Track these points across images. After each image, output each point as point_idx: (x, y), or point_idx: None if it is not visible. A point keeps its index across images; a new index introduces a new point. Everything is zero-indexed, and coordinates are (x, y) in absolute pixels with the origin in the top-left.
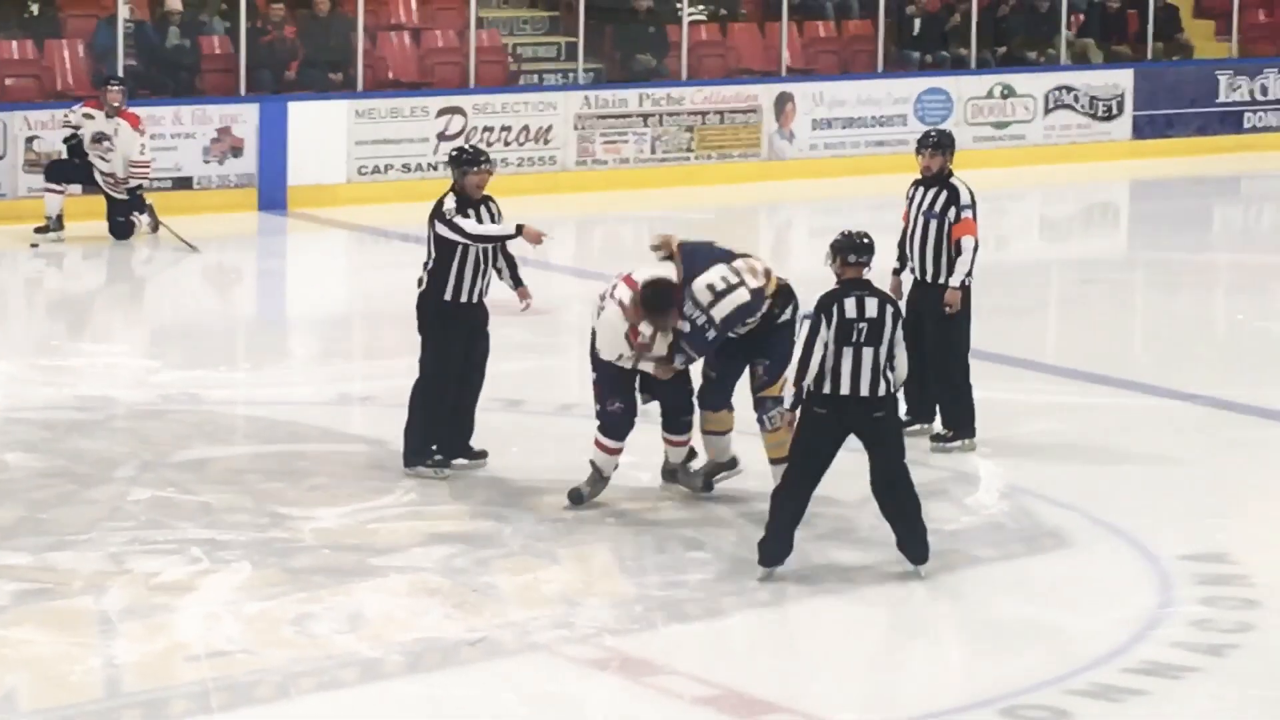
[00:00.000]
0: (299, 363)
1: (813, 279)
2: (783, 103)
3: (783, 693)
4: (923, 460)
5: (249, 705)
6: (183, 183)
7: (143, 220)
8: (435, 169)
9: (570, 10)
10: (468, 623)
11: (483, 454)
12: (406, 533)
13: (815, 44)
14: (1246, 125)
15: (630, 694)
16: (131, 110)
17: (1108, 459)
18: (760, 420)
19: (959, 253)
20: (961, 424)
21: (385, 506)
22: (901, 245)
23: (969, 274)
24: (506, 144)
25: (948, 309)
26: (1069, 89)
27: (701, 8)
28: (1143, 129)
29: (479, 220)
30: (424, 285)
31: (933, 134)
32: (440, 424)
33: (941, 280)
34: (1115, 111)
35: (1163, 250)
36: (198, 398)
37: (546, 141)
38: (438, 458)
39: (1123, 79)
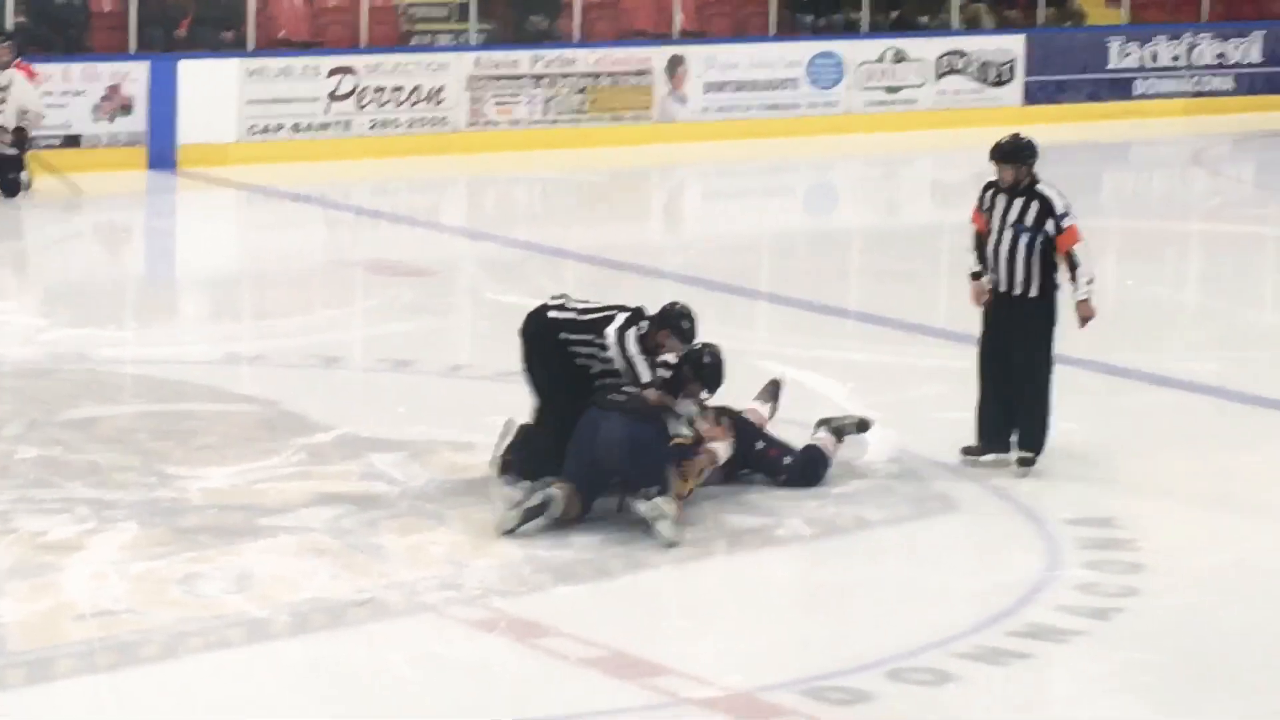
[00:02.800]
0: (188, 322)
1: (703, 240)
2: (675, 65)
3: (669, 655)
4: (808, 422)
5: (135, 665)
6: (72, 140)
7: (24, 178)
8: (326, 129)
9: None
10: (355, 583)
11: None
12: (295, 493)
13: (708, 7)
14: (1137, 92)
15: (517, 655)
16: (26, 63)
17: None
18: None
19: (1074, 264)
20: (1041, 442)
21: (274, 467)
22: (980, 249)
23: (1092, 280)
24: (398, 104)
25: (1084, 324)
26: (960, 54)
27: None
28: (1034, 95)
29: None
30: None
31: (1004, 143)
32: None
33: (1032, 294)
34: (1006, 77)
35: None
36: (86, 356)
37: (438, 102)
38: None
39: (1014, 45)
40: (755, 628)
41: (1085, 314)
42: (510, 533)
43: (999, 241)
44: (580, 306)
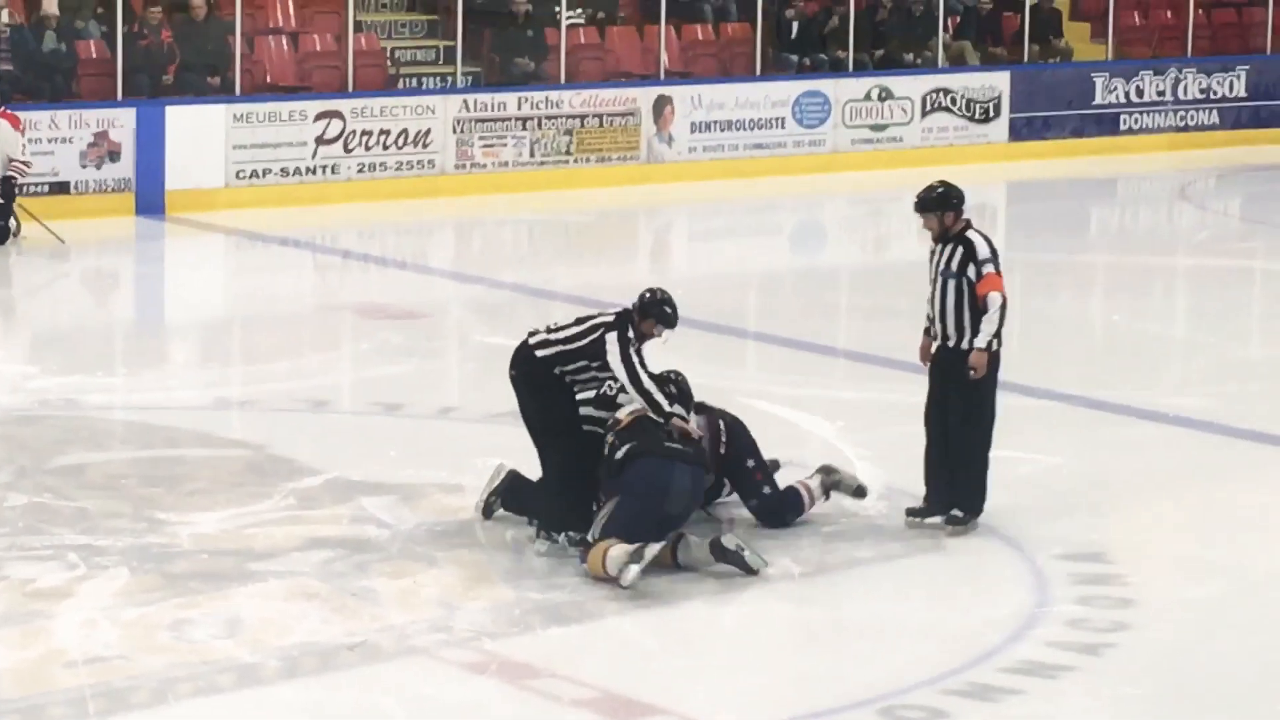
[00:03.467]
0: (177, 367)
1: (691, 279)
2: (661, 106)
3: (661, 695)
4: (798, 462)
5: (126, 711)
6: (60, 187)
7: (11, 225)
8: (313, 173)
9: (449, 14)
10: (346, 627)
11: None
12: (285, 537)
13: (693, 47)
14: (1123, 127)
15: (509, 697)
16: (10, 111)
17: None
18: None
19: (985, 309)
20: (974, 503)
21: (263, 511)
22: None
23: (996, 334)
24: (385, 147)
25: (972, 373)
26: (946, 91)
27: (580, 11)
28: (1019, 131)
29: None
30: None
31: (922, 193)
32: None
33: (964, 345)
34: (992, 114)
35: (1039, 252)
36: (75, 403)
37: (425, 145)
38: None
39: (999, 81)
40: (747, 667)
41: (974, 363)
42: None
43: (934, 291)
44: (563, 336)
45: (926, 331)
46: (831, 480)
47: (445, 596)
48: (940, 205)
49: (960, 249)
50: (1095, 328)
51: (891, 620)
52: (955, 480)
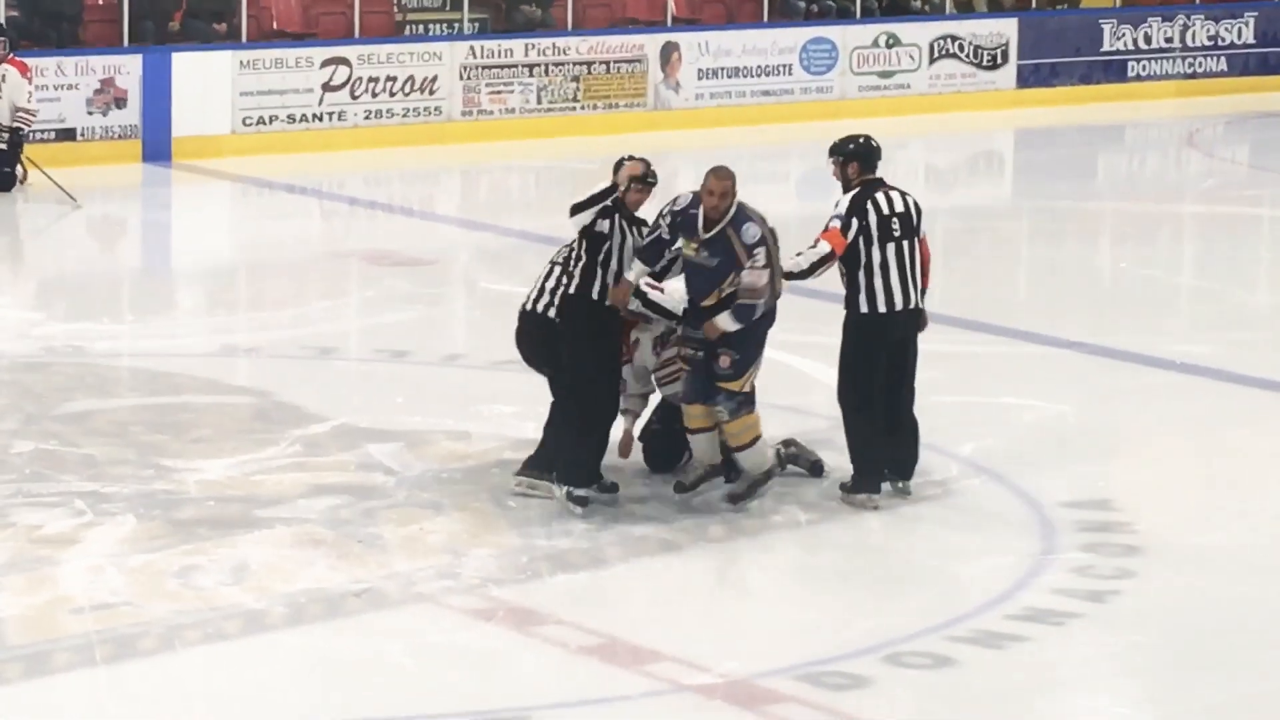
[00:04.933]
0: (183, 314)
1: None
2: (668, 53)
3: (667, 642)
4: (808, 409)
5: (133, 658)
6: (66, 134)
7: (18, 172)
8: (320, 119)
9: None
10: (352, 574)
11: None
12: (291, 484)
13: None
14: (1130, 74)
15: (516, 644)
16: (18, 58)
17: (992, 407)
18: (719, 410)
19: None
20: (854, 480)
21: (270, 458)
22: None
23: (792, 274)
24: (392, 94)
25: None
26: (954, 38)
27: None
28: (1027, 78)
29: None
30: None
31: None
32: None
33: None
34: (1000, 61)
35: (1047, 199)
36: (81, 350)
37: (432, 92)
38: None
39: (1007, 28)
40: (752, 614)
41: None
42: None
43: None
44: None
45: None
46: (789, 453)
47: (451, 543)
48: (838, 152)
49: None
50: (1102, 275)
51: (897, 567)
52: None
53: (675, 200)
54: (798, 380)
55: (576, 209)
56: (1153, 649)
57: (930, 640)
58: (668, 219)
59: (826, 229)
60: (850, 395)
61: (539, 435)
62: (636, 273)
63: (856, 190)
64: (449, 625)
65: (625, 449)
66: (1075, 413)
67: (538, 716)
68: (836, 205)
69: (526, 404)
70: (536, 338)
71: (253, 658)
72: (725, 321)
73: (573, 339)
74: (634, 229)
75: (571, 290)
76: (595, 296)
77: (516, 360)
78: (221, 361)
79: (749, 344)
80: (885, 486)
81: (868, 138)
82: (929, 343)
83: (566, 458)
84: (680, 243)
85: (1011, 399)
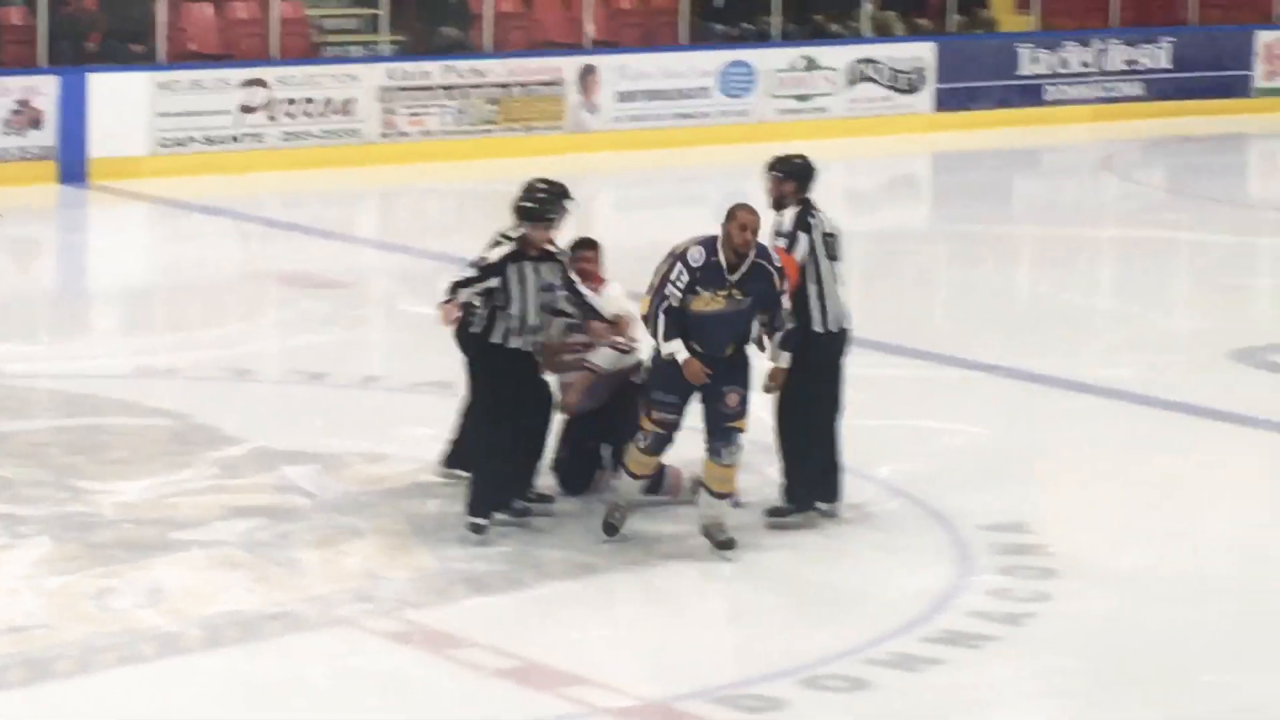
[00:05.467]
0: (100, 336)
1: (615, 250)
2: (586, 75)
3: (584, 665)
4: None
5: (48, 680)
6: None
7: None
8: (237, 141)
9: None
10: (269, 597)
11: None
12: (208, 506)
13: (619, 16)
14: (1047, 98)
15: (433, 667)
16: None
17: (910, 430)
18: (715, 451)
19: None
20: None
21: (186, 480)
22: None
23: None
24: (310, 116)
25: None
26: (871, 62)
27: None
28: (944, 102)
29: None
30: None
31: (773, 157)
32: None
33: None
34: (917, 84)
35: (965, 223)
36: None
37: (350, 114)
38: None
39: (924, 52)
40: (669, 637)
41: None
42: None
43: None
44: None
45: None
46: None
47: (369, 566)
48: (780, 169)
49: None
50: (1020, 299)
51: (815, 590)
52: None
53: (685, 258)
54: None
55: (456, 287)
56: (1069, 672)
57: (847, 663)
58: (684, 280)
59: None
60: (802, 414)
61: None
62: (677, 347)
63: (798, 208)
64: (366, 648)
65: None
66: (993, 436)
67: None
68: (779, 225)
69: (444, 427)
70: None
71: (169, 680)
72: (784, 360)
73: (471, 376)
74: (540, 265)
75: (473, 330)
76: (496, 340)
77: (434, 383)
78: (138, 383)
79: (749, 378)
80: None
81: (805, 157)
82: (847, 366)
83: (470, 486)
84: (694, 299)
85: (929, 422)
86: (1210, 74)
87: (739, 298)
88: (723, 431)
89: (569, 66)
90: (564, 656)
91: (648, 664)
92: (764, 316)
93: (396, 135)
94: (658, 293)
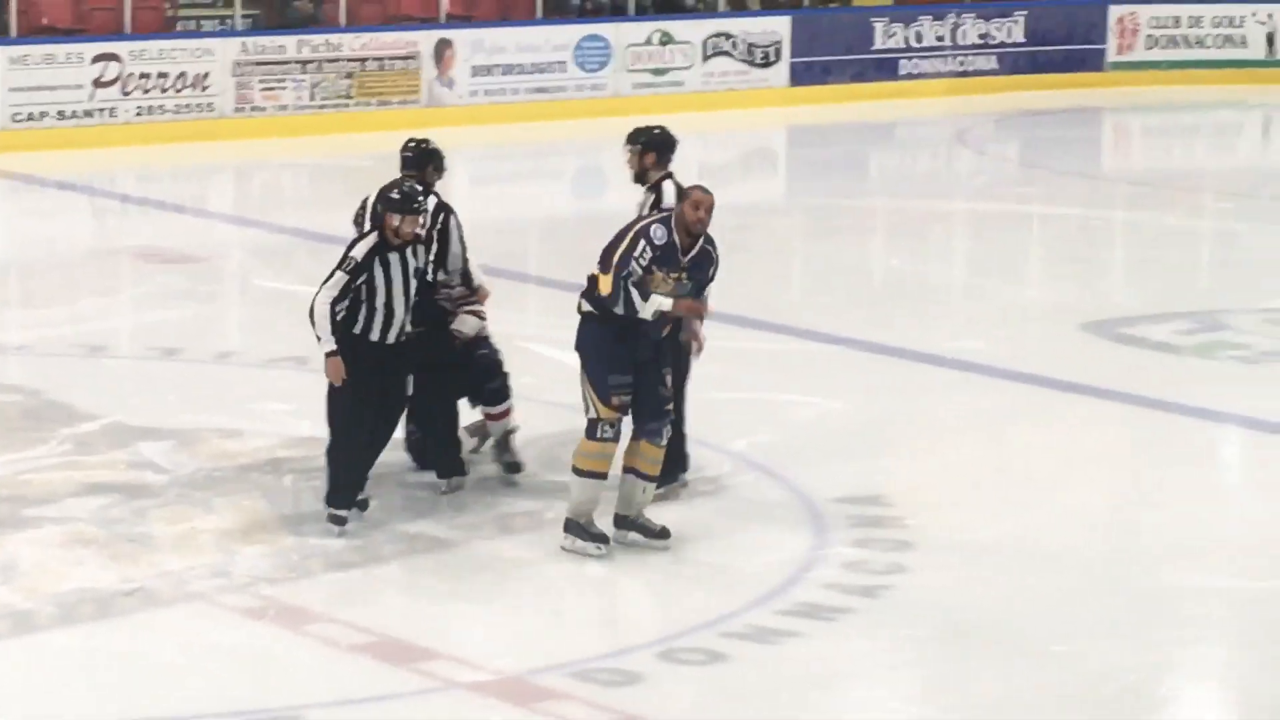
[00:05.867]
0: None
1: (472, 224)
2: (442, 49)
3: (440, 639)
4: (567, 403)
5: None
6: None
7: None
8: (91, 116)
9: None
10: (123, 573)
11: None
12: (61, 483)
13: None
14: (902, 72)
15: (288, 642)
16: None
17: (765, 403)
18: (654, 433)
19: None
20: (684, 457)
21: (39, 457)
22: None
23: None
24: (164, 91)
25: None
26: (727, 35)
27: None
28: (800, 76)
29: None
30: None
31: (633, 130)
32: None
33: None
34: (773, 58)
35: (819, 196)
36: None
37: (204, 88)
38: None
39: (780, 26)
40: (526, 611)
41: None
42: None
43: None
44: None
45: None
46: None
47: (223, 542)
48: (640, 141)
49: (653, 197)
50: (875, 272)
51: (671, 564)
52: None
53: (649, 234)
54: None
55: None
56: (925, 642)
57: (704, 636)
58: (647, 257)
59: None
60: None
61: (312, 433)
62: (660, 301)
63: (664, 180)
64: (221, 624)
65: None
66: (848, 409)
67: (310, 715)
68: (645, 204)
69: (299, 401)
70: None
71: (22, 658)
72: (700, 327)
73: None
74: (408, 252)
75: (337, 317)
76: (357, 331)
77: (289, 358)
78: None
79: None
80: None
81: (665, 129)
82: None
83: (329, 478)
84: (649, 278)
85: (785, 395)
86: (1064, 48)
87: (685, 282)
88: (662, 413)
89: (424, 41)
90: (420, 632)
91: (504, 638)
92: None
93: (251, 110)
94: (619, 268)
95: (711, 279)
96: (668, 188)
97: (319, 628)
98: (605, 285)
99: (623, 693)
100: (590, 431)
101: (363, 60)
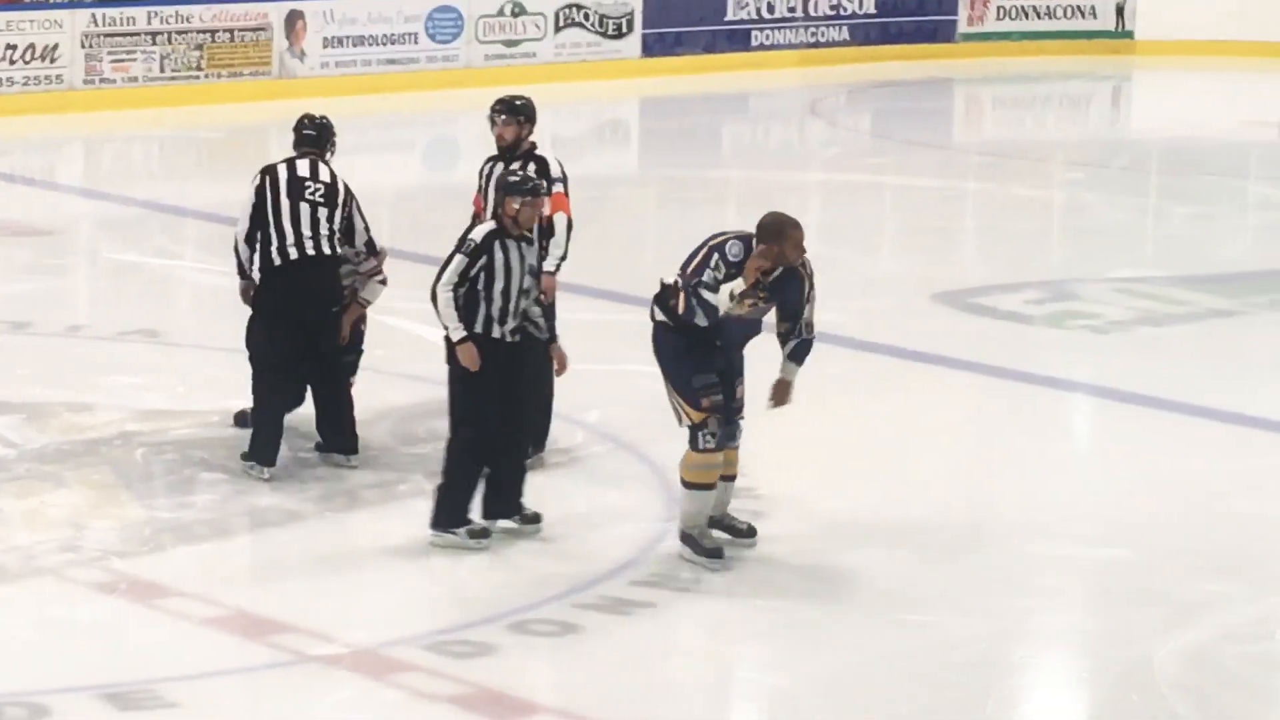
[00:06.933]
0: None
1: None
2: (293, 21)
3: (294, 612)
4: (420, 376)
5: None
6: None
7: None
8: None
9: None
10: None
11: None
12: None
13: None
14: (754, 43)
15: (140, 617)
16: None
17: (617, 375)
18: (733, 435)
19: (551, 233)
20: (544, 433)
21: None
22: None
23: (564, 257)
24: (12, 63)
25: (543, 297)
26: (579, 7)
27: None
28: (652, 47)
29: None
30: None
31: (516, 99)
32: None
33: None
34: (625, 30)
35: (674, 167)
36: None
37: (53, 60)
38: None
39: None
40: (378, 584)
41: (547, 288)
42: None
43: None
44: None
45: None
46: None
47: (73, 516)
48: (525, 112)
49: (533, 164)
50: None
51: (524, 535)
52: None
53: (725, 251)
54: (421, 348)
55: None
56: (777, 612)
57: (556, 608)
58: (720, 274)
59: (553, 195)
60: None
61: (163, 406)
62: (723, 300)
63: (538, 150)
64: (71, 599)
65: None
66: None
67: (163, 689)
68: (548, 170)
69: (149, 375)
70: None
71: None
72: (791, 373)
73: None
74: (523, 244)
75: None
76: (477, 329)
77: (139, 330)
78: None
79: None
80: None
81: (529, 98)
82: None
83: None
84: (725, 297)
85: (637, 366)
86: (915, 19)
87: (763, 305)
88: (734, 421)
89: (275, 12)
90: (272, 605)
91: (356, 611)
92: (783, 326)
93: (100, 82)
94: (691, 277)
95: (808, 299)
96: (550, 157)
97: (171, 602)
98: (680, 303)
99: (474, 664)
100: (693, 442)
101: (213, 32)
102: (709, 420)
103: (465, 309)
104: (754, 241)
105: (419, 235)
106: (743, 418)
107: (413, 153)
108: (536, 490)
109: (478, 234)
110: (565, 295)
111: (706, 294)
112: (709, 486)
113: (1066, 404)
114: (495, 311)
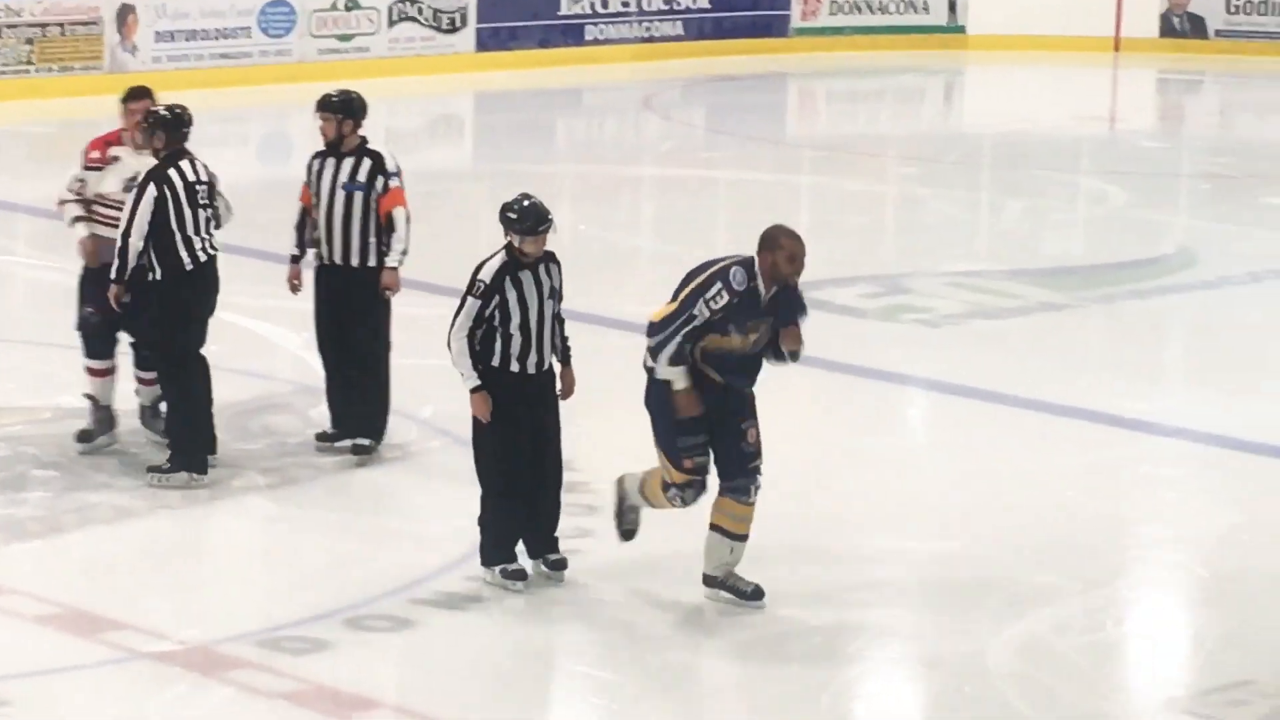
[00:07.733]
0: None
1: None
2: (124, 15)
3: (127, 610)
4: (273, 374)
5: None
6: None
7: None
8: None
9: None
10: None
11: None
12: None
13: None
14: (588, 38)
15: None
16: None
17: (452, 370)
18: (740, 490)
19: (392, 228)
20: (379, 429)
21: None
22: (301, 228)
23: (405, 251)
24: None
25: (388, 293)
26: (413, 2)
27: None
28: (486, 41)
29: None
30: None
31: (334, 96)
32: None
33: (370, 263)
34: (459, 24)
35: (506, 162)
36: None
37: None
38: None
39: None
40: (212, 581)
41: (389, 284)
42: None
43: (330, 206)
44: None
45: (295, 260)
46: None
47: None
48: (343, 109)
49: (367, 160)
50: (562, 238)
51: (358, 531)
52: (369, 405)
53: (729, 279)
54: (259, 345)
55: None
56: (612, 606)
57: (391, 603)
58: (721, 301)
59: (389, 191)
60: (388, 346)
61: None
62: (678, 375)
63: (373, 144)
64: None
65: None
66: None
67: None
68: (384, 165)
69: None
70: None
71: None
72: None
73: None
74: (540, 270)
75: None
76: (495, 364)
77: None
78: None
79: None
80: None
81: (359, 93)
82: (397, 305)
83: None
84: (727, 339)
85: None
86: (749, 14)
87: (766, 332)
88: (746, 470)
89: (106, 6)
90: (105, 602)
91: (190, 608)
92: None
93: None
94: (683, 305)
95: (803, 313)
96: (384, 151)
97: (3, 599)
98: (660, 312)
99: (309, 660)
100: (664, 487)
101: (43, 26)
102: (689, 483)
103: (483, 344)
104: (754, 264)
105: (250, 231)
106: (760, 471)
107: (246, 148)
108: (372, 485)
109: (486, 273)
110: (404, 290)
111: (676, 341)
112: (657, 508)
113: (901, 397)
114: (515, 349)
